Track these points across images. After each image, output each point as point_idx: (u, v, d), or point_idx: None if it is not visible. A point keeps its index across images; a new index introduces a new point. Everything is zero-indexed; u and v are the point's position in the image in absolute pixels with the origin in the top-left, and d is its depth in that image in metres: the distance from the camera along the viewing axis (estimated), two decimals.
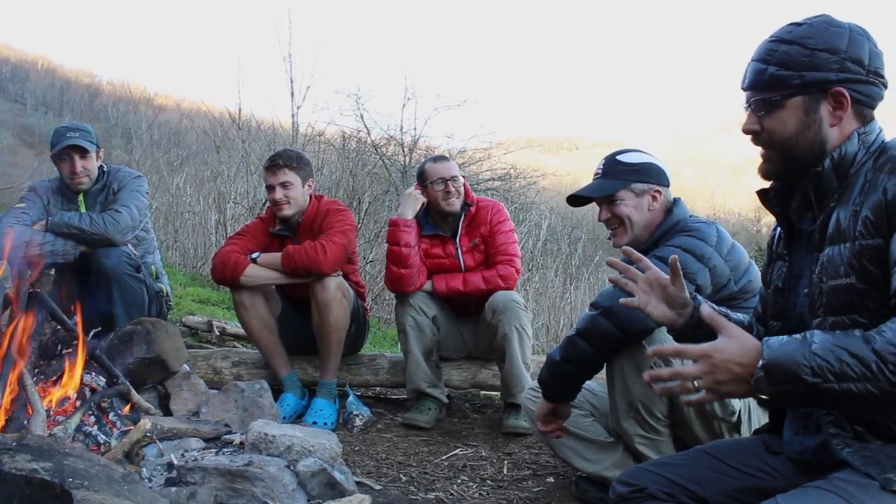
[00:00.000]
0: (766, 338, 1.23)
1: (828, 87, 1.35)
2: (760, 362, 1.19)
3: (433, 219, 3.43)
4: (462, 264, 3.40)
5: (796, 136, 1.38)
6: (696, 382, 1.25)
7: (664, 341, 2.08)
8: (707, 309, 1.33)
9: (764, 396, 1.21)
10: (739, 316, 1.70)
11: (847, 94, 1.34)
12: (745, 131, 1.44)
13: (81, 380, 2.22)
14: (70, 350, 2.32)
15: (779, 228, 1.54)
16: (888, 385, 1.12)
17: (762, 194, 1.51)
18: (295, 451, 2.13)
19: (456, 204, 3.37)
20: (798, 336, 1.21)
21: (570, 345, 2.13)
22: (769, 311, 1.55)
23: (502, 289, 3.24)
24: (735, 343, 1.24)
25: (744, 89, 1.45)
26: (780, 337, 1.22)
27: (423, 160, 3.57)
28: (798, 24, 1.38)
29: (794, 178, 1.43)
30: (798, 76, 1.35)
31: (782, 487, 1.34)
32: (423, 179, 3.42)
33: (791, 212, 1.48)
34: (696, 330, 1.59)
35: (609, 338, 2.08)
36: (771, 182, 1.49)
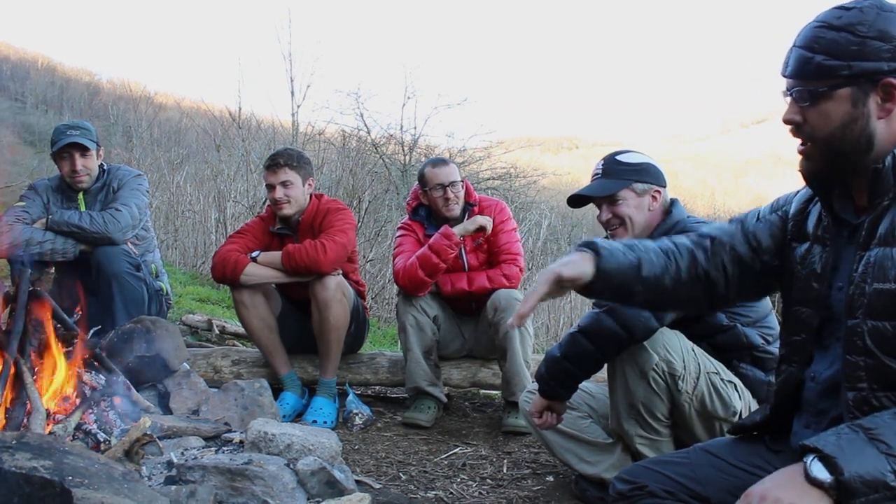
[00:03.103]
0: (803, 445, 1.13)
1: (878, 77, 1.26)
2: (831, 479, 1.07)
3: (436, 219, 3.43)
4: (465, 264, 3.40)
5: (842, 129, 1.30)
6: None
7: (666, 343, 2.08)
8: None
9: None
10: (651, 251, 1.54)
11: None
12: (787, 121, 1.37)
13: (69, 373, 2.21)
14: (70, 349, 2.32)
15: (818, 210, 1.46)
16: None
17: (806, 174, 1.42)
18: (295, 449, 2.13)
19: (456, 210, 3.36)
20: (852, 435, 1.10)
21: (571, 341, 2.13)
22: (798, 295, 1.45)
23: (506, 288, 3.24)
24: (773, 480, 1.13)
25: (786, 76, 1.36)
26: (827, 438, 1.10)
27: (424, 162, 3.56)
28: (847, 9, 1.29)
29: (839, 172, 1.36)
30: (847, 66, 1.27)
31: None
32: (422, 184, 3.42)
33: (833, 199, 1.41)
34: (601, 293, 1.53)
35: (612, 337, 2.07)
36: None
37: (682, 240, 1.60)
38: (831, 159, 1.34)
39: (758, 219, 1.57)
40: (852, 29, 1.27)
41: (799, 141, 1.37)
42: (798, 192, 1.55)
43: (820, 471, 1.09)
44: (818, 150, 1.35)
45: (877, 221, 1.29)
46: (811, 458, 1.11)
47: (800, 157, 1.38)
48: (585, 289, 1.52)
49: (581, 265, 1.49)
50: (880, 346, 1.25)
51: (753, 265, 1.54)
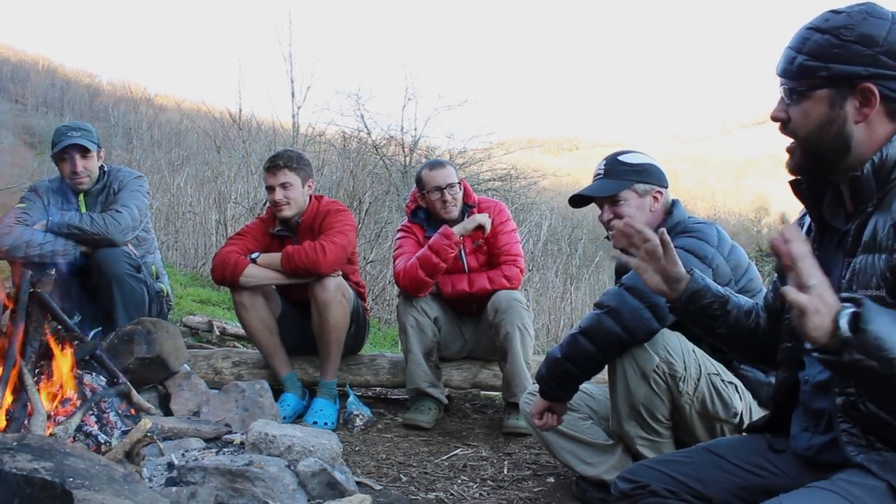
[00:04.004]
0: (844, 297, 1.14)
1: (856, 81, 1.28)
2: (851, 330, 1.09)
3: (435, 221, 3.43)
4: (465, 265, 3.40)
5: (818, 129, 1.33)
6: (812, 282, 1.13)
7: (667, 344, 2.08)
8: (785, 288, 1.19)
9: (831, 355, 1.12)
10: (741, 299, 1.67)
11: (876, 91, 1.27)
12: (773, 118, 1.40)
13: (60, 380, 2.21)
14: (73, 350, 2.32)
15: (807, 220, 1.49)
16: None
17: (794, 185, 1.45)
18: (295, 451, 2.13)
19: (454, 212, 3.36)
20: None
21: (572, 343, 2.12)
22: (788, 305, 1.48)
23: (507, 289, 3.24)
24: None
25: (776, 75, 1.40)
26: (873, 305, 1.12)
27: (421, 165, 3.56)
28: (837, 13, 1.31)
29: (818, 173, 1.39)
30: (825, 68, 1.29)
31: (785, 486, 1.34)
32: (420, 186, 3.42)
33: (824, 207, 1.43)
34: (687, 306, 1.59)
35: (613, 338, 2.07)
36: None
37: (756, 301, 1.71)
38: (811, 159, 1.37)
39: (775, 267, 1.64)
40: (836, 32, 1.29)
41: (787, 143, 1.41)
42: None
43: (845, 320, 1.10)
44: (799, 148, 1.38)
45: (861, 228, 1.30)
46: (850, 308, 1.11)
47: (787, 158, 1.42)
48: (677, 301, 1.61)
49: (662, 283, 1.60)
50: None
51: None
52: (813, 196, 1.43)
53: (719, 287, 1.65)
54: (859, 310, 1.11)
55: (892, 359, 1.08)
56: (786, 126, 1.39)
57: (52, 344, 2.23)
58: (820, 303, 1.12)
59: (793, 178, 1.45)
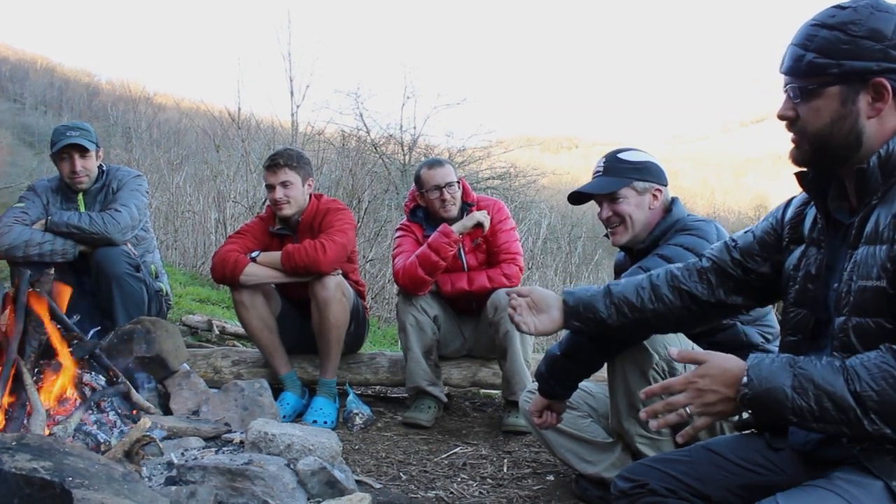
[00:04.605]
0: (752, 357, 1.28)
1: (868, 77, 1.28)
2: (746, 391, 1.25)
3: (434, 220, 3.42)
4: (465, 264, 3.39)
5: (831, 126, 1.32)
6: (688, 409, 1.33)
7: (666, 342, 2.08)
8: (675, 352, 1.39)
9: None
10: (626, 283, 1.80)
11: (889, 86, 1.27)
12: (780, 117, 1.39)
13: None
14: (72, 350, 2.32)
15: (814, 212, 1.49)
16: (864, 433, 1.17)
17: (800, 177, 1.45)
18: (295, 449, 2.12)
19: (452, 210, 3.36)
20: (786, 362, 1.25)
21: (571, 340, 2.12)
22: (794, 297, 1.49)
23: (506, 287, 3.24)
24: (716, 367, 1.31)
25: (781, 73, 1.39)
26: (766, 359, 1.27)
27: (420, 163, 3.56)
28: (842, 8, 1.32)
29: (826, 167, 1.39)
30: (837, 65, 1.29)
31: (783, 483, 1.34)
32: (419, 186, 3.42)
33: (828, 200, 1.43)
34: (573, 321, 1.83)
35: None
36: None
37: (665, 266, 1.83)
38: (821, 154, 1.37)
39: (753, 234, 1.66)
40: (844, 28, 1.29)
41: (792, 134, 1.40)
42: (794, 197, 1.58)
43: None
44: (808, 143, 1.37)
45: (865, 220, 1.30)
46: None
47: (791, 147, 1.41)
48: (566, 322, 1.86)
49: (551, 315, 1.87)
50: (864, 343, 1.26)
51: (737, 273, 1.66)
52: (819, 188, 1.43)
53: (589, 286, 1.83)
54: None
55: (787, 417, 1.23)
56: (793, 124, 1.38)
57: (52, 343, 2.23)
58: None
59: (798, 171, 1.44)
